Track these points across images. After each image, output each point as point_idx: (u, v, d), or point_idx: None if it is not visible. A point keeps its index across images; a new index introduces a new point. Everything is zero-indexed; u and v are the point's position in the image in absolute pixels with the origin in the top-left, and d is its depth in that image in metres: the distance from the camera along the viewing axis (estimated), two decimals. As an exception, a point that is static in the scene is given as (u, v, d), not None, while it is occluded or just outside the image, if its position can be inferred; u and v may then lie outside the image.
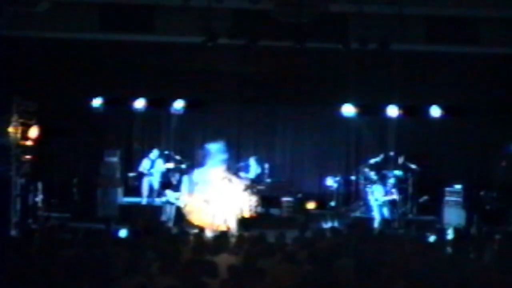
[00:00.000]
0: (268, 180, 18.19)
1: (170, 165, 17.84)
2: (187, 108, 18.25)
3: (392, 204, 17.00)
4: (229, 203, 15.90)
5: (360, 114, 18.15)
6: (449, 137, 18.62)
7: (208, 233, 12.62)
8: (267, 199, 17.75)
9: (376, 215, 16.81)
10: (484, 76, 17.73)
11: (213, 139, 16.93)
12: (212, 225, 14.93)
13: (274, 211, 17.90)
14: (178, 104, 18.21)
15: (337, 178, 18.04)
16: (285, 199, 17.93)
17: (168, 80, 17.88)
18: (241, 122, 19.37)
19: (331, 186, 18.04)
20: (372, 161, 17.90)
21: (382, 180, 17.25)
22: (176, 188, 16.74)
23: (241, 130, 19.33)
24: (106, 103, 18.15)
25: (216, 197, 15.83)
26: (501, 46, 16.87)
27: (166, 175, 17.73)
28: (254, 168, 18.00)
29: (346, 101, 17.94)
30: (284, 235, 11.11)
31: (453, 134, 18.65)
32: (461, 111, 18.16)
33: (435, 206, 17.56)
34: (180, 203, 16.11)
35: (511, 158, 17.60)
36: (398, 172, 17.54)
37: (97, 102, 18.10)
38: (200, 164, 16.62)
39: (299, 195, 18.19)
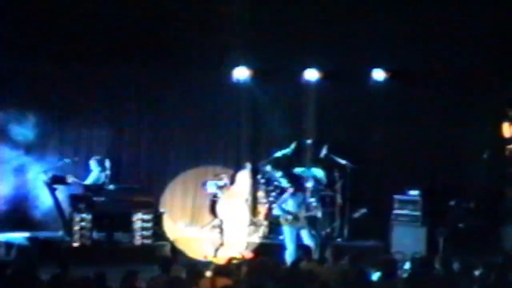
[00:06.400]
0: (111, 187, 14.18)
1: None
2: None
3: (312, 223, 13.44)
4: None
5: (253, 78, 14.94)
6: (398, 115, 15.18)
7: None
8: (108, 217, 13.91)
9: (287, 241, 13.06)
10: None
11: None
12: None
13: (120, 236, 14.22)
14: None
15: (222, 183, 14.14)
16: (138, 217, 13.95)
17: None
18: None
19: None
20: (279, 153, 14.54)
21: (294, 184, 13.51)
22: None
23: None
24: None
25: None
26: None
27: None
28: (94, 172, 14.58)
29: (238, 64, 15.08)
30: (135, 274, 8.79)
31: (403, 110, 15.14)
32: (414, 75, 14.89)
33: (378, 224, 14.60)
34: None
35: (496, 148, 14.37)
36: (318, 171, 14.54)
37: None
38: None
39: (162, 211, 14.30)
